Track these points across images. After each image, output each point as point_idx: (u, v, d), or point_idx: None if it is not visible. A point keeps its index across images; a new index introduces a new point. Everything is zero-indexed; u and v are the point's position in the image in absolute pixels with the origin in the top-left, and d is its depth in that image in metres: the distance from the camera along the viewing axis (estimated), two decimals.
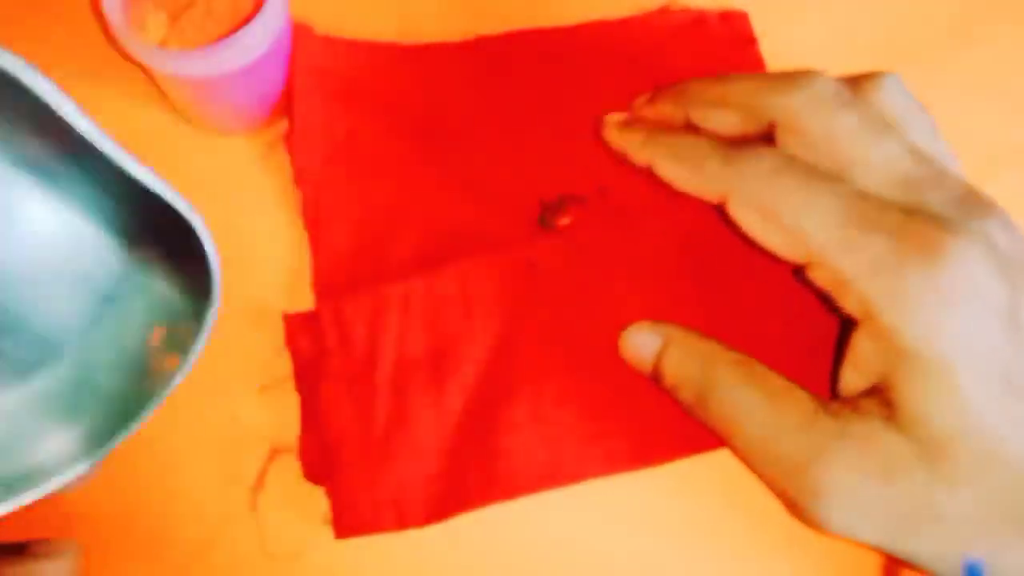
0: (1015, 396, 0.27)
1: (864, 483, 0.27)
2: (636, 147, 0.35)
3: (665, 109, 0.35)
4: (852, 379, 0.29)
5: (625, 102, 0.37)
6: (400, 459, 0.32)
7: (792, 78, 0.32)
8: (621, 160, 0.36)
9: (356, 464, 0.32)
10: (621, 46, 0.39)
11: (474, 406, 0.33)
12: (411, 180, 0.36)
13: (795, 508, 0.29)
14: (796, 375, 0.31)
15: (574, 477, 0.32)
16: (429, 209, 0.36)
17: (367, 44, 0.38)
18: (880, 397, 0.28)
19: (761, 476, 0.30)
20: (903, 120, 0.31)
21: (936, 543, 0.27)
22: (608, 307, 0.34)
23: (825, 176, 0.29)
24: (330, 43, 0.37)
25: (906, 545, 0.28)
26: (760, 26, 0.39)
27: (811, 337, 0.34)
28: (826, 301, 0.31)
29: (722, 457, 0.33)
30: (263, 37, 0.32)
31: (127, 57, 0.32)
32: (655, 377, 0.33)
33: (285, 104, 0.37)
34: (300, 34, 0.36)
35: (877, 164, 0.29)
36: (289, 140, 0.36)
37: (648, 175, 0.36)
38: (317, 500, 0.32)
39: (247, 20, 0.33)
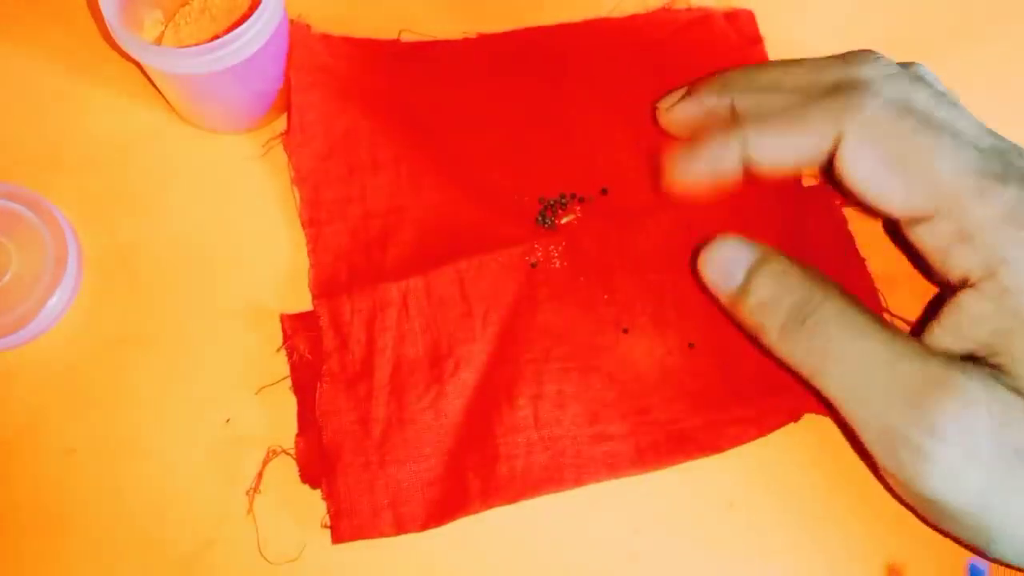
0: None
1: (986, 426, 0.25)
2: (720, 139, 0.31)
3: (709, 101, 0.33)
4: (947, 339, 0.27)
5: (628, 101, 0.37)
6: (398, 462, 0.32)
7: (856, 55, 0.30)
8: (624, 160, 0.36)
9: (354, 467, 0.32)
10: (624, 44, 0.39)
11: (473, 408, 0.33)
12: (410, 179, 0.36)
13: (898, 445, 0.27)
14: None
15: (575, 480, 0.32)
16: (428, 208, 0.35)
17: (366, 42, 0.38)
18: (981, 353, 0.27)
19: (857, 407, 0.28)
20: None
21: None
22: (609, 307, 0.34)
23: (942, 123, 0.28)
24: (328, 41, 0.37)
25: (1002, 510, 0.26)
26: (764, 25, 0.39)
27: None
28: (923, 265, 0.29)
29: (722, 461, 0.33)
30: (259, 35, 0.32)
31: (124, 55, 0.32)
32: (737, 296, 0.30)
33: (283, 103, 0.36)
34: (298, 33, 0.36)
35: (965, 134, 0.28)
36: (287, 139, 0.36)
37: (650, 175, 0.36)
38: (315, 503, 0.32)
39: (244, 18, 0.33)
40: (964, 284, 0.28)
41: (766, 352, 0.30)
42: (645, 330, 0.34)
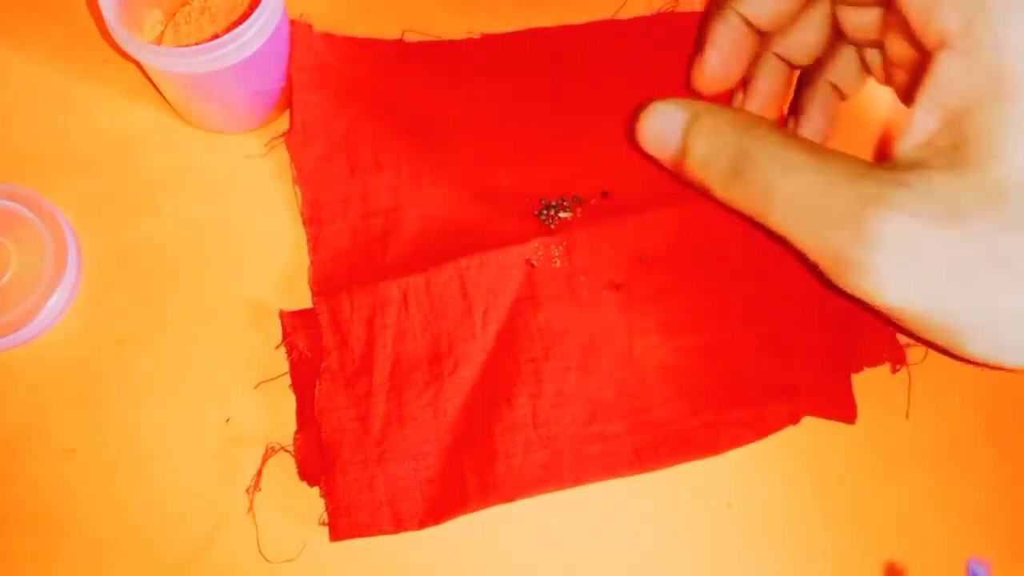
0: None
1: (924, 227, 0.25)
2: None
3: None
4: (923, 118, 0.27)
5: (631, 104, 0.37)
6: (397, 459, 0.32)
7: None
8: (626, 162, 0.36)
9: (352, 464, 0.32)
10: (628, 47, 0.39)
11: (472, 406, 0.33)
12: (411, 179, 0.36)
13: (844, 266, 0.27)
14: (800, 364, 0.31)
15: (573, 480, 0.32)
16: (429, 207, 0.36)
17: (367, 41, 0.38)
18: (949, 134, 0.26)
19: (804, 238, 0.28)
20: None
21: (999, 298, 0.25)
22: (609, 306, 0.34)
23: None
24: (330, 41, 0.37)
25: (963, 303, 0.26)
26: None
27: (817, 325, 0.34)
28: (903, 43, 0.29)
29: (721, 461, 0.33)
30: (259, 34, 0.32)
31: (124, 55, 0.32)
32: (678, 157, 0.31)
33: (284, 103, 0.36)
34: (299, 32, 0.36)
35: None
36: (289, 138, 0.36)
37: (651, 176, 0.36)
38: (314, 500, 0.32)
39: (243, 18, 0.33)
40: (941, 47, 0.27)
41: (718, 202, 0.31)
42: (644, 331, 0.34)
